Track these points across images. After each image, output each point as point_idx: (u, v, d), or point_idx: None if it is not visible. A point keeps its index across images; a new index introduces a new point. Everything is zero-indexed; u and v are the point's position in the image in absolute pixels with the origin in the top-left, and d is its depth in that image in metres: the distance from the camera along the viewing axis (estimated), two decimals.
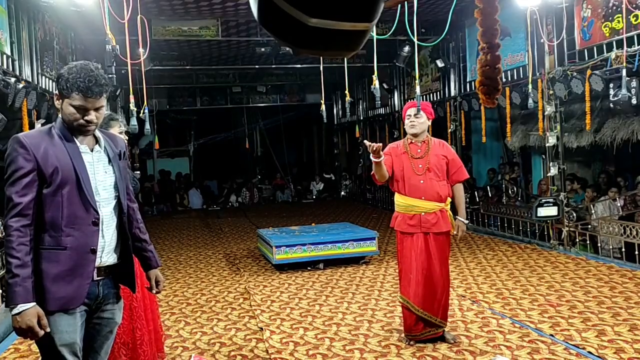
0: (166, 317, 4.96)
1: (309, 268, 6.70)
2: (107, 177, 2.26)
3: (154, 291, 2.53)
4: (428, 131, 4.15)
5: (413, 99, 10.49)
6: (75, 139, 2.22)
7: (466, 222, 4.18)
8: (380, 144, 3.77)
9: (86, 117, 2.17)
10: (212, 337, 4.39)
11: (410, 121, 4.02)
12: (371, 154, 3.79)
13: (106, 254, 2.26)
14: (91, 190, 2.19)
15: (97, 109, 2.19)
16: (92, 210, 2.18)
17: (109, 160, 2.29)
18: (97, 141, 2.29)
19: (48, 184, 2.12)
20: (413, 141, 4.06)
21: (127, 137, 3.35)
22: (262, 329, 4.50)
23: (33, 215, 2.11)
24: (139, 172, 12.05)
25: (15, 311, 2.03)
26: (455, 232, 4.06)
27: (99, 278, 2.25)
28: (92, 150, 2.26)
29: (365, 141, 3.96)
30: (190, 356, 3.96)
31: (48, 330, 2.09)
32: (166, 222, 12.29)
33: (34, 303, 2.06)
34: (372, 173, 4.02)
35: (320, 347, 4.04)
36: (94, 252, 2.19)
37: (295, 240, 6.71)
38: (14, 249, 2.05)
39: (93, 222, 2.19)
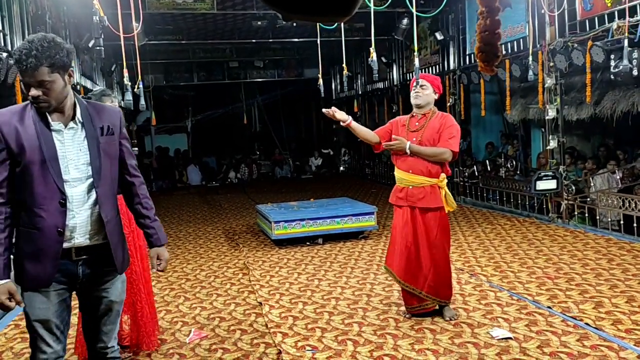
0: (166, 292, 4.98)
1: (307, 243, 6.71)
2: (80, 155, 2.15)
3: (153, 269, 2.45)
4: (442, 104, 4.07)
5: (412, 73, 10.39)
6: (48, 116, 2.13)
7: (407, 146, 3.80)
8: (330, 109, 3.85)
9: (30, 93, 2.07)
10: (211, 312, 4.41)
11: (415, 92, 3.95)
12: (340, 122, 3.86)
13: (80, 235, 2.18)
14: (58, 169, 2.11)
15: (40, 84, 2.04)
16: (58, 190, 2.10)
17: (86, 137, 2.17)
18: (74, 117, 2.18)
19: (17, 163, 2.09)
20: (415, 114, 4.01)
21: None
22: (261, 303, 4.52)
23: (7, 193, 2.10)
24: (136, 148, 12.00)
25: None
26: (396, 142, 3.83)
27: (77, 258, 2.20)
28: (66, 127, 2.16)
29: (323, 109, 3.93)
30: (190, 331, 3.98)
31: (22, 305, 2.15)
32: (165, 198, 12.27)
33: (6, 280, 2.09)
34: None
35: (319, 321, 4.06)
36: (61, 233, 2.13)
37: (294, 216, 6.70)
38: None
39: (60, 202, 2.11)
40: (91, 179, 2.17)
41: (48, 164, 2.08)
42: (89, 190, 2.18)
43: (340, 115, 3.88)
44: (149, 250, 2.45)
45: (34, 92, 2.06)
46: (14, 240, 2.17)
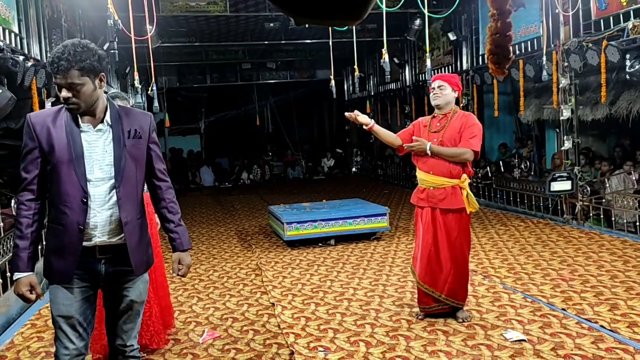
0: (179, 293, 5.02)
1: (320, 244, 6.72)
2: (106, 156, 2.23)
3: (174, 274, 2.49)
4: (457, 104, 4.04)
5: (424, 74, 10.36)
6: (79, 118, 2.22)
7: (428, 147, 3.79)
8: (353, 113, 3.83)
9: (61, 95, 2.16)
10: (224, 312, 4.44)
11: (434, 93, 3.93)
12: (363, 125, 3.87)
13: (102, 233, 2.24)
14: (83, 169, 2.19)
15: (70, 87, 2.13)
16: (81, 189, 2.18)
17: (112, 139, 2.24)
18: (104, 119, 2.25)
19: (48, 162, 2.19)
20: (436, 114, 3.98)
21: None
22: (273, 304, 4.54)
23: (38, 190, 2.22)
24: None
25: (14, 278, 2.25)
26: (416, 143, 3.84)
27: (100, 256, 2.27)
28: (94, 128, 2.23)
29: (346, 113, 3.92)
30: (203, 331, 4.01)
31: (42, 299, 2.29)
32: (178, 199, 12.08)
33: (29, 273, 2.21)
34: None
35: (331, 322, 4.07)
36: (82, 231, 2.20)
37: (306, 217, 6.71)
38: (19, 221, 2.21)
39: (82, 200, 2.19)
40: (113, 180, 2.24)
41: (74, 163, 2.17)
42: (110, 191, 2.24)
43: (362, 118, 3.87)
44: (172, 254, 2.49)
45: (64, 93, 2.15)
46: (44, 235, 2.29)
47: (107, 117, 2.25)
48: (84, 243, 2.21)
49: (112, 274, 2.30)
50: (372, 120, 3.94)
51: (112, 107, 2.28)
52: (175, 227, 2.46)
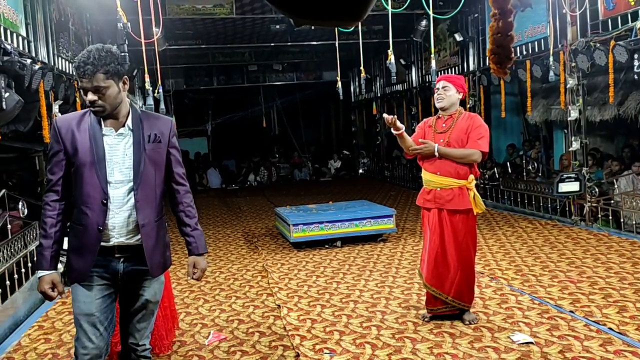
0: (185, 294, 5.03)
1: (326, 246, 6.71)
2: (125, 159, 2.29)
3: (189, 277, 2.53)
4: (462, 105, 4.02)
5: (430, 74, 10.33)
6: (102, 121, 2.28)
7: (436, 149, 3.79)
8: (395, 117, 3.78)
9: (87, 98, 2.22)
10: (230, 314, 4.44)
11: (438, 94, 3.91)
12: (392, 129, 3.84)
13: (120, 234, 2.30)
14: (104, 171, 2.25)
15: (97, 90, 2.21)
16: (102, 191, 2.25)
17: (133, 143, 2.30)
18: (125, 123, 2.31)
19: (72, 164, 2.26)
20: (441, 115, 3.97)
21: None
22: (279, 306, 4.53)
23: (63, 191, 2.29)
24: None
25: (37, 276, 2.32)
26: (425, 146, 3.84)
27: (119, 255, 2.32)
28: (116, 132, 2.30)
29: (385, 115, 3.92)
30: (209, 333, 4.01)
31: (64, 296, 2.37)
32: None
33: (51, 271, 2.29)
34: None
35: (337, 324, 4.06)
36: (101, 231, 2.26)
37: (313, 219, 6.71)
38: (43, 221, 2.29)
39: (102, 202, 2.25)
40: (132, 183, 2.29)
41: (96, 166, 2.24)
42: (129, 193, 2.29)
43: (398, 123, 3.85)
44: (188, 258, 2.53)
45: (90, 96, 2.22)
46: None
47: (129, 122, 2.32)
48: (103, 243, 2.27)
49: (130, 272, 2.35)
50: (403, 127, 3.93)
51: (134, 112, 2.34)
52: (192, 231, 2.48)
